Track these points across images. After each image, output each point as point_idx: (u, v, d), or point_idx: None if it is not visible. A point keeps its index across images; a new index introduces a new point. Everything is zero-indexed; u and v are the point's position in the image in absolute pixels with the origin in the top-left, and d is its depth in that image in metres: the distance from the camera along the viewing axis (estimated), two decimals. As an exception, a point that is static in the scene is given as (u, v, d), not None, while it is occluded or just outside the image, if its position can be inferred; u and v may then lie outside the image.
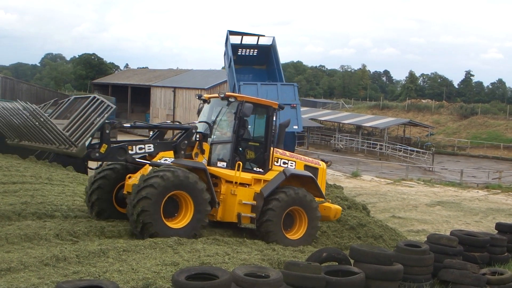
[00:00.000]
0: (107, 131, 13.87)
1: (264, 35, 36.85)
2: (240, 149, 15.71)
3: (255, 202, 15.28)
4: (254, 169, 15.79)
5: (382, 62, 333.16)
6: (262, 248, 14.13)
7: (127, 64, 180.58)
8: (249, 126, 15.91)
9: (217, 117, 15.73)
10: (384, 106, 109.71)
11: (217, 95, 16.06)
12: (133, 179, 14.95)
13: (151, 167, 14.61)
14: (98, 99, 13.44)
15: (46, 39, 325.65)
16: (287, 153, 16.90)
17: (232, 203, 15.20)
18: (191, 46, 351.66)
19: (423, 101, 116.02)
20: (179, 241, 13.28)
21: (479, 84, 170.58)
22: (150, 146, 14.64)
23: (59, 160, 29.87)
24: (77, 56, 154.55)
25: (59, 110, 14.47)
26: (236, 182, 15.23)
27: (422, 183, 47.56)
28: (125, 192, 15.12)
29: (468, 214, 31.36)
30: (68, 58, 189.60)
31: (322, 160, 18.70)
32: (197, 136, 15.22)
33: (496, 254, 15.70)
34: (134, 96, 79.56)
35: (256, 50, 36.76)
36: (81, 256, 11.17)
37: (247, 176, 15.48)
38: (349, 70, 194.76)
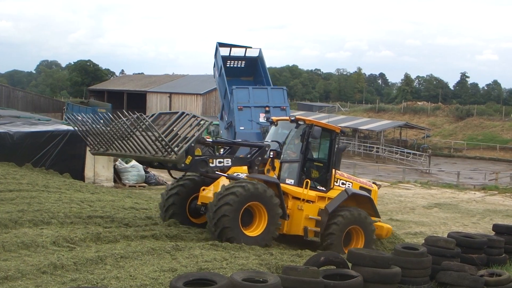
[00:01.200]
0: (193, 144, 14.87)
1: (251, 47, 38.15)
2: (304, 168, 16.85)
3: (319, 218, 16.41)
4: (318, 187, 16.96)
5: (378, 65, 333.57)
6: (260, 253, 14.11)
7: (122, 70, 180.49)
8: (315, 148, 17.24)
9: (286, 137, 17.01)
10: (380, 108, 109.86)
11: (286, 118, 17.64)
12: (207, 191, 16.23)
13: (226, 180, 15.92)
14: (187, 114, 14.57)
15: (41, 46, 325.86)
16: (345, 174, 18.11)
17: (299, 218, 16.39)
18: (187, 51, 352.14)
19: (419, 103, 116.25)
20: (176, 247, 13.27)
21: (475, 85, 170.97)
22: (228, 161, 15.69)
23: (56, 167, 29.87)
24: (72, 63, 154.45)
25: (147, 124, 15.06)
26: (303, 199, 16.46)
27: (419, 185, 47.58)
28: (199, 203, 16.33)
29: (465, 216, 31.36)
30: (63, 65, 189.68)
31: (374, 183, 19.83)
32: (271, 153, 16.48)
33: (493, 255, 15.70)
34: (130, 102, 79.51)
35: (243, 62, 38.19)
36: (78, 263, 11.14)
37: (312, 193, 16.64)
38: (344, 73, 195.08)
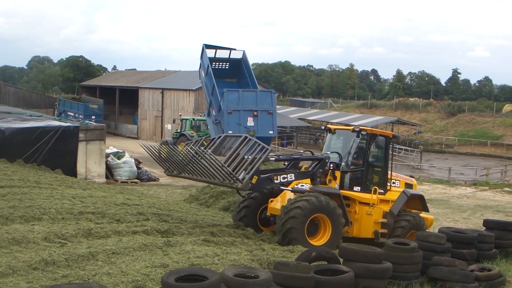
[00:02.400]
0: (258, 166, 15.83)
1: (235, 49, 38.92)
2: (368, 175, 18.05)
3: (385, 220, 17.53)
4: (378, 190, 17.91)
5: (370, 61, 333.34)
6: (251, 248, 14.13)
7: (115, 66, 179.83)
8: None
9: (351, 147, 17.93)
10: (372, 105, 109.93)
11: (344, 127, 19.11)
12: (275, 203, 17.22)
13: (291, 192, 16.88)
14: (250, 139, 16.12)
15: (33, 42, 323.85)
16: (393, 173, 18.95)
17: (369, 222, 17.52)
18: (180, 48, 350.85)
19: (410, 99, 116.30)
20: (168, 243, 13.26)
21: (466, 82, 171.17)
22: (291, 176, 16.63)
23: (47, 163, 29.80)
24: (64, 59, 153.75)
25: (213, 146, 16.86)
26: (372, 204, 17.62)
27: (411, 181, 47.58)
28: (268, 213, 17.44)
29: (456, 211, 31.46)
30: (55, 61, 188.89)
31: (412, 177, 21.50)
32: (331, 165, 17.33)
33: (484, 250, 15.77)
34: (122, 98, 79.30)
35: (228, 64, 38.88)
36: (70, 259, 11.12)
37: (374, 197, 17.69)
38: (337, 69, 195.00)
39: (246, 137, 16.21)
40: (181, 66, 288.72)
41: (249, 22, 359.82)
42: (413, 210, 18.61)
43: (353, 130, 17.99)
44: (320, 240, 15.83)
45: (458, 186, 44.91)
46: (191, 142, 17.54)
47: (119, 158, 35.94)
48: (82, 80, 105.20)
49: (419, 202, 18.71)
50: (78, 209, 16.55)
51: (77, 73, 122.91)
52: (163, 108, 69.97)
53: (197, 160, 15.53)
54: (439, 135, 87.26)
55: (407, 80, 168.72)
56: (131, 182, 35.09)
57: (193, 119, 49.74)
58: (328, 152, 18.05)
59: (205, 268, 9.67)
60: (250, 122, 35.95)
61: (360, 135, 17.84)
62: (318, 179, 16.99)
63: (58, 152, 31.00)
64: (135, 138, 72.77)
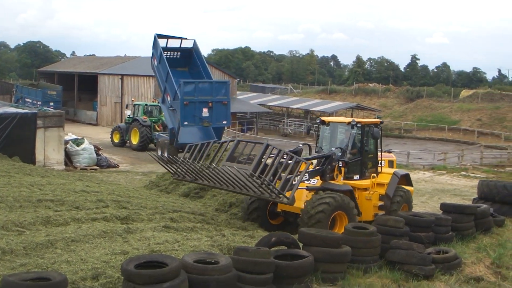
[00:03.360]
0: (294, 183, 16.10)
1: (186, 38, 39.53)
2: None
3: (382, 202, 18.81)
4: (372, 175, 19.26)
5: (330, 47, 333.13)
6: (212, 234, 14.16)
7: (73, 52, 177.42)
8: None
9: (348, 140, 18.82)
10: (332, 90, 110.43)
11: (338, 119, 20.08)
12: None
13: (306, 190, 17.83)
14: (274, 147, 16.72)
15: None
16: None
17: (369, 207, 18.66)
18: (140, 33, 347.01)
19: (370, 85, 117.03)
20: (128, 230, 13.21)
21: (425, 67, 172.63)
22: (306, 176, 17.13)
23: (5, 151, 29.40)
24: (21, 44, 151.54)
25: (229, 153, 17.56)
26: (371, 191, 18.97)
27: (370, 166, 48.02)
28: (279, 209, 18.39)
29: (414, 195, 31.62)
30: (12, 46, 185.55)
31: (389, 152, 22.98)
32: (340, 162, 18.28)
33: (441, 233, 16.01)
34: (81, 84, 78.35)
35: (179, 53, 39.56)
36: (28, 247, 11.01)
37: (368, 182, 19.00)
38: (297, 55, 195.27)
39: (268, 145, 16.86)
40: (141, 52, 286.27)
41: (213, 7, 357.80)
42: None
43: (349, 123, 18.96)
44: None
45: (417, 171, 45.45)
46: (203, 146, 18.16)
47: (78, 145, 35.59)
48: (40, 66, 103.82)
49: (405, 179, 20.25)
50: (37, 197, 16.36)
51: (35, 59, 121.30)
52: (123, 94, 69.36)
53: (232, 177, 15.74)
54: (398, 120, 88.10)
55: (366, 66, 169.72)
56: (90, 169, 34.80)
57: (146, 104, 49.73)
58: (333, 149, 18.75)
59: (165, 255, 9.67)
60: (205, 113, 36.96)
61: (355, 127, 18.84)
62: (328, 175, 17.86)
63: (15, 139, 30.57)
64: (95, 124, 72.12)
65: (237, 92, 79.37)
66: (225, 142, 18.87)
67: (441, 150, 59.44)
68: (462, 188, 35.76)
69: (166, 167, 18.50)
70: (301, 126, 78.03)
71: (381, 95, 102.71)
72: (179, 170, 17.85)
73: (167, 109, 38.80)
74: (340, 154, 18.63)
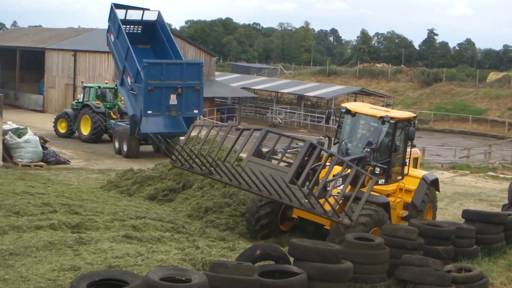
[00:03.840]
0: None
1: (149, 9, 39.95)
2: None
3: (407, 212, 19.20)
4: (397, 178, 19.61)
5: (329, 20, 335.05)
6: (183, 246, 14.15)
7: (15, 22, 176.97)
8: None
9: (378, 138, 19.04)
10: (331, 71, 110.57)
11: (368, 111, 19.76)
12: None
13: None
14: (315, 146, 16.71)
15: None
16: None
17: (392, 217, 18.57)
18: (97, 0, 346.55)
19: (377, 65, 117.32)
20: (80, 240, 13.16)
21: (444, 45, 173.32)
22: (339, 181, 17.01)
23: None
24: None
25: (255, 146, 17.26)
26: (397, 198, 19.33)
27: (377, 163, 48.10)
28: (294, 215, 18.85)
29: (431, 200, 31.91)
30: None
31: (413, 146, 22.40)
32: (378, 169, 18.64)
33: (463, 247, 16.03)
34: (25, 61, 77.87)
35: (140, 27, 40.02)
36: (-44, 261, 10.95)
37: (394, 187, 19.30)
38: (289, 28, 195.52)
39: (312, 144, 16.89)
40: (99, 23, 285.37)
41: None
42: None
43: (380, 118, 18.99)
44: None
45: (434, 170, 45.56)
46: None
47: (19, 136, 35.39)
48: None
49: (433, 183, 20.59)
50: (-32, 199, 16.29)
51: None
52: (76, 74, 69.08)
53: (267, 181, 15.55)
54: (411, 108, 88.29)
55: (373, 42, 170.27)
56: (34, 166, 34.61)
57: (99, 86, 48.86)
58: (367, 149, 18.81)
59: (126, 271, 9.63)
60: (173, 100, 37.17)
61: (387, 123, 18.93)
62: (360, 181, 17.34)
63: None
64: (41, 111, 71.71)
65: (216, 73, 79.25)
66: (246, 129, 18.74)
67: (463, 146, 59.59)
68: (489, 192, 35.91)
69: (166, 151, 18.89)
70: (293, 115, 78.06)
71: (391, 78, 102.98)
72: (181, 157, 17.70)
73: (126, 92, 38.89)
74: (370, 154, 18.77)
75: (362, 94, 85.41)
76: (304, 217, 18.23)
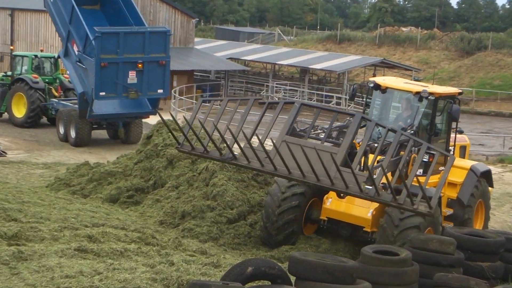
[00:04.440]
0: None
1: None
2: None
3: (451, 210, 19.92)
4: (439, 168, 19.47)
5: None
6: (153, 262, 14.14)
7: None
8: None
9: (414, 117, 19.56)
10: (343, 37, 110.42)
11: (402, 86, 20.33)
12: (336, 202, 19.34)
13: None
14: (368, 121, 16.96)
15: None
16: None
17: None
18: None
19: (403, 29, 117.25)
20: (19, 255, 13.13)
21: (490, 3, 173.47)
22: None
23: None
24: None
25: (289, 122, 17.17)
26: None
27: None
28: (323, 217, 19.56)
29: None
30: None
31: (461, 132, 23.03)
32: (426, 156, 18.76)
33: (514, 263, 16.02)
34: None
35: None
36: None
37: (435, 179, 18.69)
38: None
39: (363, 118, 16.95)
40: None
41: None
42: None
43: (417, 93, 19.31)
44: None
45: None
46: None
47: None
48: None
49: (484, 176, 21.17)
50: None
51: None
52: (14, 40, 69.03)
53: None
54: (447, 84, 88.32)
55: (398, 0, 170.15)
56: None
57: (35, 55, 47.69)
58: (409, 130, 19.04)
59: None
60: (132, 78, 37.28)
61: (425, 100, 19.31)
62: (405, 170, 17.82)
63: None
64: None
65: (196, 40, 79.21)
66: (273, 103, 19.03)
67: (515, 132, 59.47)
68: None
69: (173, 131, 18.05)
70: (294, 93, 77.96)
71: (420, 46, 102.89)
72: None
73: (73, 65, 38.86)
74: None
75: (383, 67, 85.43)
76: (337, 219, 18.76)
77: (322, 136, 18.55)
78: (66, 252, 13.89)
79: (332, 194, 19.16)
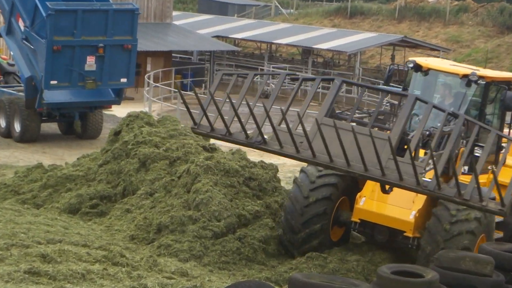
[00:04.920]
0: None
1: None
2: None
3: (501, 218, 19.67)
4: (490, 167, 19.53)
5: None
6: (122, 286, 14.18)
7: None
8: None
9: (460, 104, 19.98)
10: (355, 11, 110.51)
11: (447, 67, 20.74)
12: (371, 202, 19.91)
13: None
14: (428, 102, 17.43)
15: None
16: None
17: None
18: None
19: (429, 0, 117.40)
20: None
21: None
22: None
23: None
24: None
25: (328, 103, 17.75)
26: None
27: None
28: (355, 218, 20.00)
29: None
30: None
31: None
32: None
33: None
34: None
35: None
36: None
37: (484, 180, 19.43)
38: None
39: (417, 98, 17.39)
40: None
41: None
42: None
43: (464, 76, 19.58)
44: None
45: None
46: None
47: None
48: None
49: None
50: None
51: None
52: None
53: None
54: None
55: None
56: None
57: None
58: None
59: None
60: (91, 65, 37.49)
61: (474, 85, 19.55)
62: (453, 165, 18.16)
63: None
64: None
65: (174, 13, 79.25)
66: (308, 79, 20.09)
67: None
68: None
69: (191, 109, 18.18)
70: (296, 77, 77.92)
71: (450, 21, 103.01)
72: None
73: (17, 44, 38.87)
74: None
75: (403, 46, 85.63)
76: (372, 221, 19.15)
77: (364, 120, 19.28)
78: (13, 276, 13.89)
79: (366, 192, 19.63)
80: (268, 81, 76.90)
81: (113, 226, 21.74)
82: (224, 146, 24.78)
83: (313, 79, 18.11)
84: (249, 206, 21.68)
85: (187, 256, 19.27)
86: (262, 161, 23.59)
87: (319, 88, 22.34)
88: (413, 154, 15.95)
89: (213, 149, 22.68)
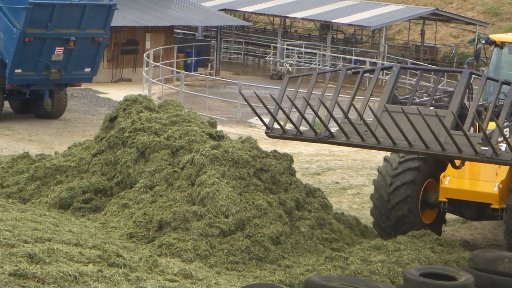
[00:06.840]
0: None
1: None
2: None
3: None
4: None
5: None
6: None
7: None
8: None
9: None
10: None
11: None
12: (453, 181, 21.06)
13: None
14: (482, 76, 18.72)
15: None
16: None
17: None
18: None
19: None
20: None
21: None
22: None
23: None
24: None
25: (389, 89, 19.62)
26: None
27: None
28: (442, 198, 21.23)
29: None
30: None
31: None
32: None
33: None
34: None
35: None
36: None
37: None
38: None
39: (472, 73, 18.66)
40: None
41: None
42: None
43: None
44: None
45: None
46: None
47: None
48: None
49: None
50: None
51: None
52: None
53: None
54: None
55: None
56: None
57: None
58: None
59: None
60: (58, 55, 39.15)
61: None
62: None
63: None
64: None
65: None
66: (369, 70, 21.79)
67: None
68: None
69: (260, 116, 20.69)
70: (312, 58, 77.84)
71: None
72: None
73: None
74: None
75: (435, 20, 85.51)
76: (459, 198, 20.12)
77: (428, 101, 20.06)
78: (-3, 280, 13.96)
79: (450, 171, 20.65)
80: (281, 60, 77.20)
81: (108, 223, 21.70)
82: (232, 133, 24.73)
83: (372, 70, 19.00)
84: (260, 200, 21.68)
85: (191, 256, 19.25)
86: (275, 151, 23.39)
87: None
88: (469, 126, 17.48)
89: (220, 136, 22.71)
